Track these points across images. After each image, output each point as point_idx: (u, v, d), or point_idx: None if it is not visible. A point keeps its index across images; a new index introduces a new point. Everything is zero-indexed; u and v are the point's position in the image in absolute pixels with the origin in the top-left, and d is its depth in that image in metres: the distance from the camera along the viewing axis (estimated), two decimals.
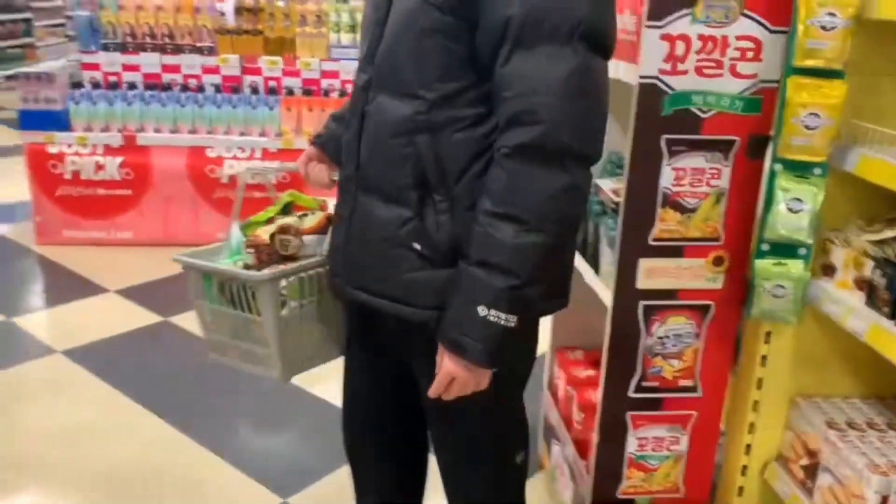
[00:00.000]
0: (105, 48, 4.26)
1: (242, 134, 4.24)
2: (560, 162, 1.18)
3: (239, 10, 4.26)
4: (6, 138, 7.04)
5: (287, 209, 1.81)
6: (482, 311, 1.21)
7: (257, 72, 4.26)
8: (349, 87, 4.32)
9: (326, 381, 2.41)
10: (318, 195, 1.81)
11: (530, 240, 1.19)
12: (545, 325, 2.28)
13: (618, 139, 2.10)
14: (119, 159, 4.22)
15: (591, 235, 1.87)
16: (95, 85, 4.24)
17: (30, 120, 4.23)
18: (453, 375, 1.27)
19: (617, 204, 1.82)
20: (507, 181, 1.20)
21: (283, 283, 1.58)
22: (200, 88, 4.24)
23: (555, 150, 1.18)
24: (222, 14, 4.27)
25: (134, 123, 4.21)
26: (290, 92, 4.27)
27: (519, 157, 1.19)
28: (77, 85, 4.25)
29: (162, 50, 4.24)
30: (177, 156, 4.24)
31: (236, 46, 4.25)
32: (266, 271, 1.57)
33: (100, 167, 4.23)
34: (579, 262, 1.96)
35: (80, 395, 2.83)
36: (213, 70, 4.24)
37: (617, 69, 1.69)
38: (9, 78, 10.55)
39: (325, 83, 4.31)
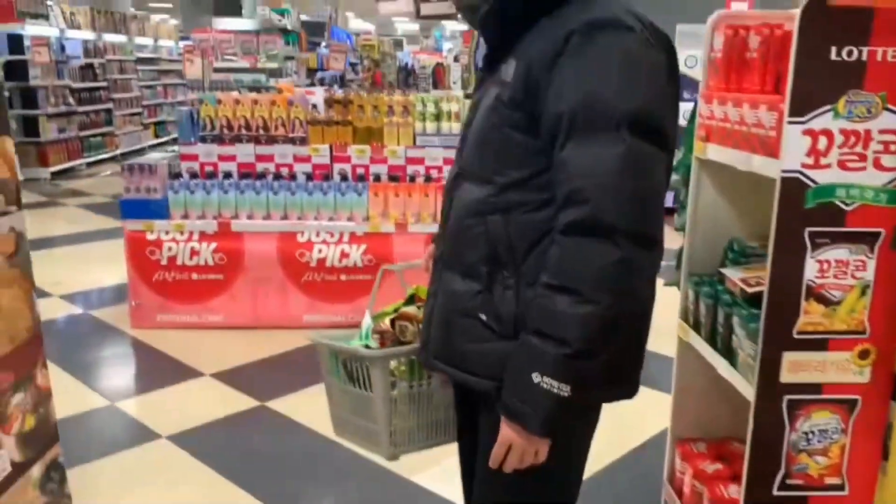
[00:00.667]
0: (203, 140, 4.47)
1: (331, 219, 4.36)
2: (610, 238, 1.23)
3: (329, 103, 4.44)
4: (90, 224, 7.34)
5: (411, 300, 1.89)
6: (536, 377, 1.26)
7: (346, 160, 4.40)
8: (433, 173, 4.44)
9: (428, 469, 2.40)
10: None
11: (584, 310, 1.24)
12: (663, 413, 2.25)
13: (737, 226, 2.10)
14: (213, 245, 4.37)
15: (722, 325, 1.85)
16: (193, 175, 4.43)
17: (131, 208, 4.41)
18: (510, 442, 1.32)
19: (747, 294, 1.81)
20: (562, 256, 1.27)
21: (394, 363, 1.72)
22: (293, 176, 4.40)
23: (603, 226, 1.24)
24: (314, 106, 4.45)
25: (229, 211, 4.37)
26: (378, 178, 4.40)
27: (572, 233, 1.26)
28: (176, 175, 4.46)
29: (256, 141, 4.42)
30: (268, 241, 4.38)
31: (327, 136, 4.42)
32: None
33: (194, 252, 4.38)
34: (708, 351, 1.93)
35: (189, 481, 2.86)
36: (305, 159, 4.40)
37: (749, 162, 1.71)
38: (90, 164, 11.14)
39: (410, 169, 4.42)
